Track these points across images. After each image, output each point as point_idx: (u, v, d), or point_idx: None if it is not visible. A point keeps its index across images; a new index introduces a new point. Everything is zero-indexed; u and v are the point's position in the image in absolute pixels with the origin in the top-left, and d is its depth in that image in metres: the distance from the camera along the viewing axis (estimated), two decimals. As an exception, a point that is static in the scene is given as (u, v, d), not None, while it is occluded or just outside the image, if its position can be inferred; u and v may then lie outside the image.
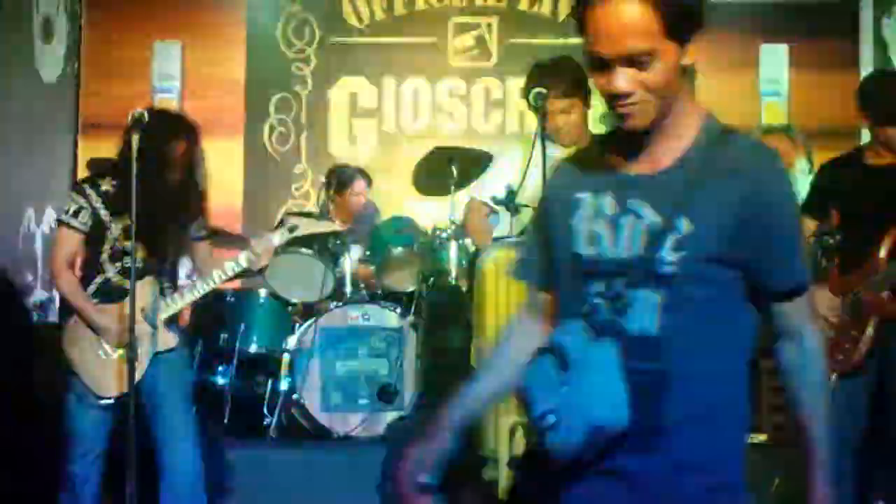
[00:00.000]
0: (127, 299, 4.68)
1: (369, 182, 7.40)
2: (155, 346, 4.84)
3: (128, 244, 4.73)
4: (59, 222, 4.96)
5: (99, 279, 4.87)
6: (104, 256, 4.85)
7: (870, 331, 4.62)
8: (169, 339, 4.87)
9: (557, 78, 5.01)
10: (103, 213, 4.83)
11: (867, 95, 4.82)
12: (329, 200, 7.16)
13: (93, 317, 4.80)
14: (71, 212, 4.87)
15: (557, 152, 5.07)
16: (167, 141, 4.84)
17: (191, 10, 8.39)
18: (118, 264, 4.84)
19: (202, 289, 4.94)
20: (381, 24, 8.43)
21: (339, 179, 7.33)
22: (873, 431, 4.73)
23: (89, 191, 4.88)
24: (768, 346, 6.23)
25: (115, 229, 4.83)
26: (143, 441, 4.80)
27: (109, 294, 4.84)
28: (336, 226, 6.13)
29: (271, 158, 8.37)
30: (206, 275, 4.97)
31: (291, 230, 5.04)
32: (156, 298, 4.85)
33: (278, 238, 5.01)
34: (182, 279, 5.18)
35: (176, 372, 4.94)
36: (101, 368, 4.81)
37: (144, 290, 4.81)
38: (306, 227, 5.11)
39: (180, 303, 4.90)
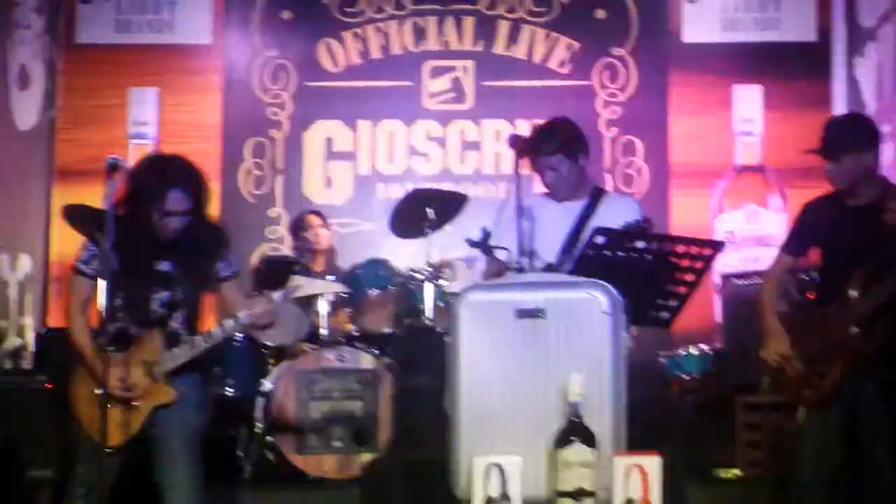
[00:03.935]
0: (135, 348, 4.71)
1: (325, 219, 7.44)
2: (155, 399, 4.83)
3: (145, 294, 4.77)
4: (74, 269, 4.96)
5: (113, 327, 4.79)
6: (118, 304, 4.82)
7: (838, 366, 4.67)
8: (169, 393, 4.85)
9: (547, 136, 5.23)
10: (115, 262, 4.76)
11: (822, 139, 4.92)
12: (299, 252, 7.23)
13: (93, 366, 4.80)
14: (83, 259, 4.89)
15: (535, 196, 5.22)
16: (168, 183, 4.86)
17: (166, 56, 8.42)
18: (134, 312, 4.84)
19: (203, 345, 4.91)
20: (357, 69, 8.49)
21: (294, 223, 7.47)
22: (847, 465, 4.77)
23: (102, 239, 4.87)
24: (746, 381, 6.26)
25: (131, 278, 4.80)
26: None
27: (122, 342, 4.79)
28: (336, 286, 6.15)
29: (246, 202, 8.38)
30: (206, 330, 4.96)
31: (293, 290, 5.01)
32: (161, 350, 4.84)
33: (281, 298, 5.00)
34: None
35: (176, 424, 4.86)
36: (101, 416, 4.79)
37: (150, 341, 4.81)
38: (306, 288, 5.09)
39: (181, 358, 4.88)
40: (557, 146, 5.18)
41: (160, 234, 4.81)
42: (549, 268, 4.92)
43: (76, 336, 4.91)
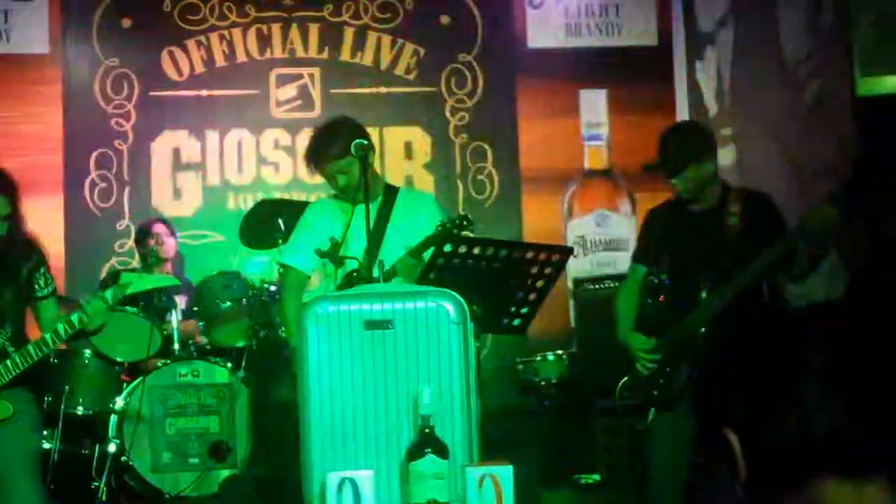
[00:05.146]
0: None
1: (170, 227, 7.38)
2: None
3: None
4: None
5: None
6: None
7: (685, 367, 4.77)
8: (6, 408, 4.76)
9: (332, 140, 5.14)
10: None
11: (660, 150, 5.02)
12: (143, 259, 7.16)
13: None
14: None
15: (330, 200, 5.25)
16: None
17: (3, 66, 8.22)
18: None
19: (35, 353, 4.82)
20: (202, 77, 8.39)
21: (139, 232, 7.41)
22: (700, 464, 4.87)
23: None
24: (602, 385, 6.35)
25: None
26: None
27: None
28: (169, 279, 6.07)
29: (93, 216, 8.23)
30: (38, 338, 4.86)
31: (123, 288, 4.94)
32: None
33: (111, 296, 4.92)
34: None
35: (15, 441, 4.81)
36: None
37: None
38: (138, 284, 5.02)
39: (14, 370, 4.78)
40: (345, 148, 5.08)
41: None
42: (357, 275, 4.92)
43: None
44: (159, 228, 7.33)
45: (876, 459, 1.47)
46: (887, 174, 4.75)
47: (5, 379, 4.75)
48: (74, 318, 4.82)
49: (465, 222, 4.86)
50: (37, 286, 4.92)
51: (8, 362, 4.75)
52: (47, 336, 4.82)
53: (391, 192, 5.29)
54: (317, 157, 5.19)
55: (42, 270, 4.95)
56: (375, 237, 5.04)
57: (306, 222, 5.38)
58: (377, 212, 5.13)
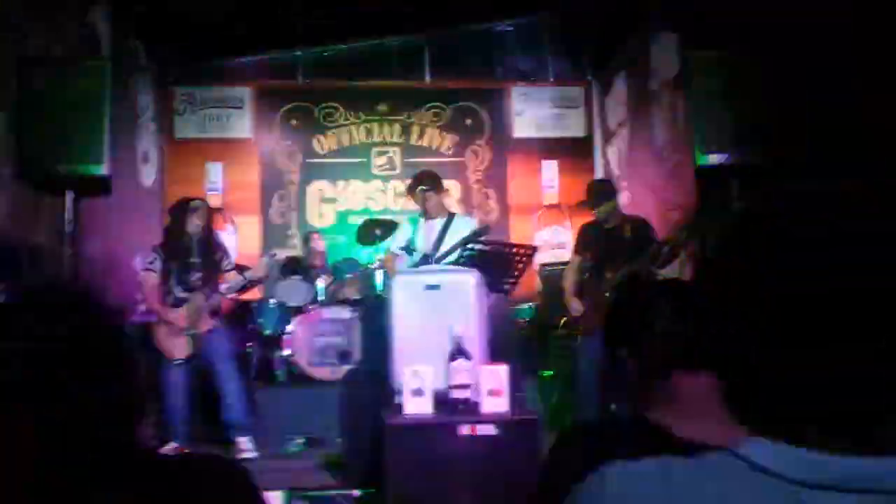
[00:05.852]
0: (187, 305, 4.72)
1: (321, 235, 7.46)
2: (205, 327, 4.87)
3: (185, 276, 4.79)
4: (145, 269, 4.98)
5: (171, 296, 4.90)
6: (172, 283, 4.89)
7: (597, 314, 4.77)
8: (212, 323, 4.89)
9: (420, 180, 5.19)
10: (168, 261, 4.88)
11: (586, 194, 5.07)
12: (305, 251, 7.24)
13: (166, 316, 4.84)
14: (149, 262, 4.91)
15: (432, 221, 5.29)
16: (187, 216, 4.88)
17: (227, 144, 8.35)
18: (180, 286, 4.87)
19: (226, 293, 4.99)
20: (335, 152, 8.46)
21: (304, 236, 7.43)
22: (609, 368, 4.89)
23: (159, 250, 4.93)
24: (554, 322, 6.28)
25: (175, 268, 4.87)
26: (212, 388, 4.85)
27: (178, 303, 4.88)
28: (299, 252, 6.13)
29: (276, 226, 8.36)
30: (226, 286, 5.01)
31: (272, 256, 5.16)
32: (203, 301, 4.88)
33: (266, 260, 5.11)
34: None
35: (221, 343, 4.94)
36: (173, 344, 4.84)
37: (197, 298, 4.83)
38: (280, 255, 5.26)
39: (216, 303, 4.94)
40: (427, 185, 5.10)
41: (190, 241, 4.87)
42: (425, 258, 4.90)
43: (151, 305, 4.94)
44: (315, 236, 7.42)
45: (703, 360, 1.41)
46: (714, 216, 4.77)
47: (207, 311, 4.90)
48: (247, 273, 4.99)
49: (486, 229, 4.93)
50: (223, 265, 5.08)
51: (212, 300, 4.91)
52: (233, 282, 4.98)
53: (451, 216, 5.27)
54: (410, 191, 5.24)
55: (227, 257, 5.12)
56: (440, 240, 5.03)
57: (400, 231, 5.47)
58: (442, 226, 5.12)
